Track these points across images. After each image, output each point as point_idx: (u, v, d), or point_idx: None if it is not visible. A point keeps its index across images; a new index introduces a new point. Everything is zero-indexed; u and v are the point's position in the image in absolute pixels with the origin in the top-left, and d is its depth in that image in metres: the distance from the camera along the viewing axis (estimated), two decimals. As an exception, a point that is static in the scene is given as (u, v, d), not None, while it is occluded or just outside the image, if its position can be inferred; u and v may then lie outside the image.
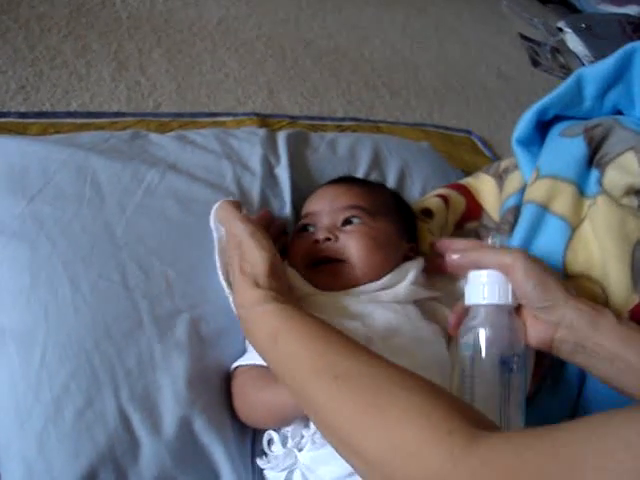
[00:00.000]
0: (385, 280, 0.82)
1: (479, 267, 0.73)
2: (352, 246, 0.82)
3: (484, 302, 0.71)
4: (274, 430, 0.73)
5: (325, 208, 0.86)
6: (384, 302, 0.79)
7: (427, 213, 1.02)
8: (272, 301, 0.67)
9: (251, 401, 0.74)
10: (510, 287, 0.71)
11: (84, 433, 0.66)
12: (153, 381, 0.72)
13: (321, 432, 0.58)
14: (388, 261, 0.84)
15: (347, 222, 0.85)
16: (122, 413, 0.69)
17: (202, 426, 0.72)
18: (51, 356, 0.69)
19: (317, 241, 0.83)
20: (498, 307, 0.71)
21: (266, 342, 0.65)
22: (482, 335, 0.70)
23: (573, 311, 0.68)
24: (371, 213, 0.86)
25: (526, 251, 0.75)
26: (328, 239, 0.82)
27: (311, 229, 0.86)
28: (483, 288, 0.72)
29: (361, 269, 0.81)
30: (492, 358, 0.69)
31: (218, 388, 0.76)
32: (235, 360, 0.78)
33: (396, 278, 0.83)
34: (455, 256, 0.79)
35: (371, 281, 0.82)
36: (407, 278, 0.83)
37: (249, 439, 0.78)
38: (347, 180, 0.96)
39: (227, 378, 0.78)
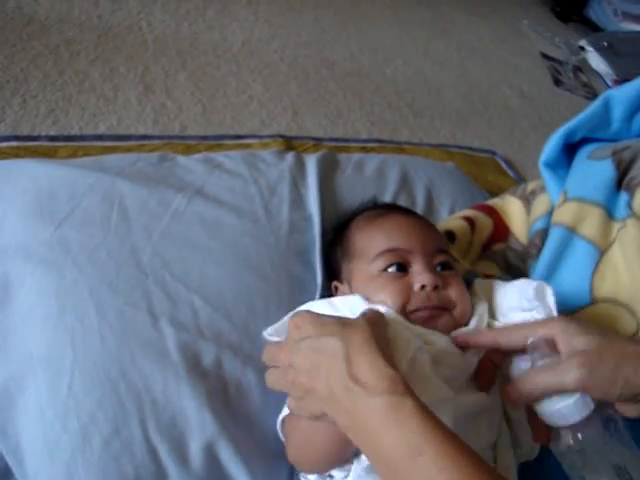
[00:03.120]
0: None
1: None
2: (456, 295, 0.77)
3: (569, 424, 0.63)
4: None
5: (417, 247, 0.78)
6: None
7: (449, 236, 1.02)
8: (408, 395, 0.54)
9: (305, 434, 0.68)
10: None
11: (111, 463, 0.66)
12: (179, 411, 0.71)
13: None
14: None
15: (443, 267, 0.80)
16: (149, 443, 0.68)
17: (229, 457, 0.71)
18: (78, 384, 0.69)
19: (423, 287, 0.75)
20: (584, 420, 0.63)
21: (400, 454, 0.52)
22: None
23: None
24: (452, 257, 0.83)
25: (582, 359, 0.62)
26: (436, 287, 0.76)
27: (398, 269, 0.77)
28: (559, 413, 0.63)
29: (461, 318, 0.76)
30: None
31: (245, 418, 0.76)
32: (261, 388, 0.76)
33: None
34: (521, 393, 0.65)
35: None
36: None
37: (284, 472, 0.77)
38: (418, 215, 0.91)
39: (254, 407, 0.77)
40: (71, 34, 1.44)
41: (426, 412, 0.53)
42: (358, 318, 0.63)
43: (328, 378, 0.57)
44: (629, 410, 0.62)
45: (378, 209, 0.91)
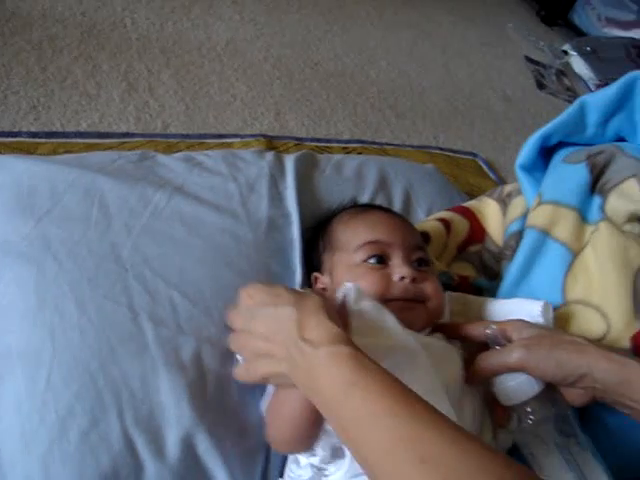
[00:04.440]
0: None
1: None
2: (431, 290, 0.80)
3: (520, 401, 0.71)
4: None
5: (398, 241, 0.82)
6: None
7: (424, 238, 1.02)
8: (346, 343, 0.60)
9: (275, 406, 0.72)
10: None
11: (88, 455, 0.66)
12: (157, 404, 0.72)
13: None
14: None
15: (420, 263, 0.83)
16: (126, 435, 0.69)
17: (206, 449, 0.72)
18: (56, 377, 0.70)
19: (402, 278, 0.79)
20: (533, 399, 0.71)
21: (335, 391, 0.57)
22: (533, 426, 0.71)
23: (601, 373, 0.66)
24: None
25: (524, 342, 0.72)
26: (414, 279, 0.79)
27: (379, 261, 0.81)
28: (510, 390, 0.72)
29: (435, 312, 0.80)
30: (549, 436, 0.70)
31: (222, 411, 0.76)
32: (240, 382, 0.77)
33: None
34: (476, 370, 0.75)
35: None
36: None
37: (260, 465, 0.77)
38: (399, 214, 0.95)
39: (232, 401, 0.78)
40: (54, 30, 1.44)
41: (363, 356, 0.59)
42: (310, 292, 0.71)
43: (284, 341, 0.64)
44: (574, 397, 0.71)
45: (360, 207, 0.95)
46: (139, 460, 0.69)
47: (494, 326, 0.75)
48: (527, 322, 0.76)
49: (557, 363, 0.68)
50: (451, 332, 0.82)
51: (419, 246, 0.85)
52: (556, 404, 0.71)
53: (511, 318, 0.79)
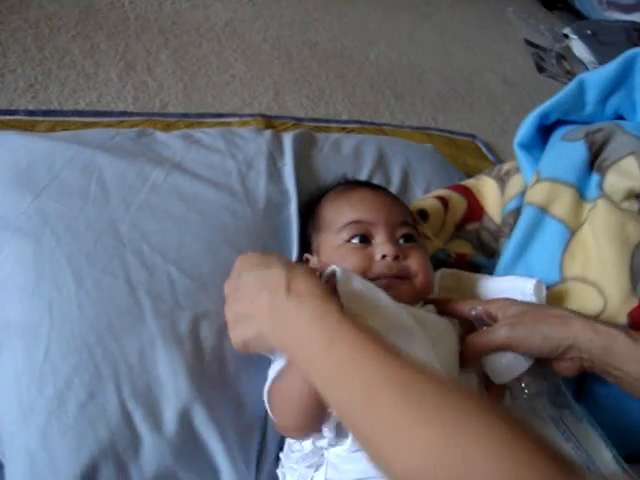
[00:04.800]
0: None
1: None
2: (417, 265, 0.80)
3: (510, 378, 0.73)
4: None
5: (381, 220, 0.81)
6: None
7: (422, 215, 1.03)
8: (334, 303, 0.62)
9: (283, 392, 0.71)
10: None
11: (86, 427, 0.67)
12: (155, 377, 0.72)
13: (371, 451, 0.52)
14: None
15: (406, 239, 0.83)
16: (124, 408, 0.69)
17: (202, 422, 0.73)
18: (55, 350, 0.70)
19: (384, 256, 0.78)
20: (525, 375, 0.72)
21: (319, 342, 0.58)
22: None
23: (586, 343, 0.68)
24: (417, 231, 0.86)
25: (508, 320, 0.74)
26: (396, 257, 0.79)
27: (361, 240, 0.81)
28: (501, 369, 0.73)
29: (422, 287, 0.80)
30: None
31: (219, 385, 0.77)
32: (237, 356, 0.78)
33: None
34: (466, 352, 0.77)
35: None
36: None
37: (256, 440, 0.78)
38: (386, 190, 0.94)
39: (229, 376, 0.78)
40: (52, 9, 1.43)
41: (347, 316, 0.60)
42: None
43: (269, 298, 0.65)
44: (563, 368, 0.71)
45: (347, 184, 0.94)
46: (136, 432, 0.69)
47: (479, 307, 0.76)
48: (512, 300, 0.77)
49: (542, 337, 0.70)
50: (440, 307, 0.82)
51: (405, 222, 0.84)
52: (547, 377, 0.72)
53: (500, 296, 0.80)
